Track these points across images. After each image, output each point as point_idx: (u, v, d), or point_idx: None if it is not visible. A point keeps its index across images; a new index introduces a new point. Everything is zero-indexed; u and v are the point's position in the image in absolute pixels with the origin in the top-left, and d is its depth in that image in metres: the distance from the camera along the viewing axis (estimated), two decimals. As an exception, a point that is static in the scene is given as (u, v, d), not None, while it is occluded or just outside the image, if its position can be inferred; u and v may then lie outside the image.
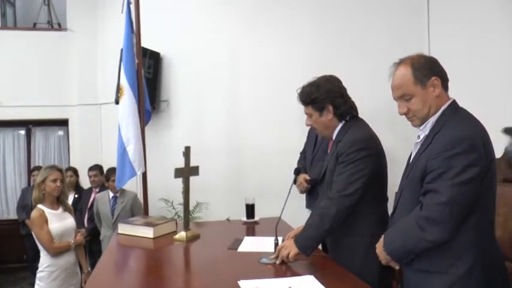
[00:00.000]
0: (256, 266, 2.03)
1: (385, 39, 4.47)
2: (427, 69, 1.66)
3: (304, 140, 3.77)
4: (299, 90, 2.21)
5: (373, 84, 4.07)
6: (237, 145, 4.79)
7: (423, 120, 1.71)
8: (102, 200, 4.58)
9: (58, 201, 3.25)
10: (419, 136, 1.75)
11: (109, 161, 4.72)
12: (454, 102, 1.70)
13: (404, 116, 1.77)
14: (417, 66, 1.67)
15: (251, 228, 2.97)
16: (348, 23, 4.62)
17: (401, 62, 1.73)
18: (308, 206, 3.55)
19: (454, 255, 1.58)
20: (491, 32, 3.60)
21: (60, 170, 3.23)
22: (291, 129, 4.37)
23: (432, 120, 1.68)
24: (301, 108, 2.25)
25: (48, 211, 3.14)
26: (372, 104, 3.46)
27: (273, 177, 4.40)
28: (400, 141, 3.72)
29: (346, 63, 4.37)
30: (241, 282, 1.74)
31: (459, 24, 3.94)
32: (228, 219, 3.23)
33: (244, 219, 3.10)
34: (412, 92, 1.67)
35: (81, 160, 5.60)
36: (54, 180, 3.15)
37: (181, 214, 3.07)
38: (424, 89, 1.66)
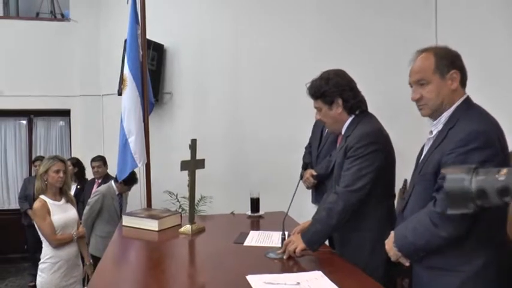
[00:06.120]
0: (263, 261, 2.01)
1: (391, 33, 4.43)
2: (449, 61, 1.65)
3: (310, 133, 3.73)
4: (308, 85, 2.17)
5: (377, 79, 4.04)
6: (241, 138, 4.76)
7: (433, 111, 1.68)
8: (110, 194, 4.25)
9: (61, 192, 3.22)
10: (431, 132, 1.72)
11: (111, 152, 4.70)
12: (468, 98, 1.68)
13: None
14: (440, 56, 1.66)
15: (256, 223, 2.94)
16: (353, 15, 4.58)
17: (425, 50, 1.72)
18: (314, 201, 3.51)
19: (467, 252, 1.55)
20: (499, 25, 3.56)
21: (63, 161, 3.21)
22: (296, 122, 4.32)
23: (446, 115, 1.66)
24: (307, 101, 2.22)
25: (50, 202, 3.11)
26: (376, 99, 3.42)
27: (278, 171, 4.38)
28: (404, 137, 3.65)
29: (351, 55, 4.32)
30: (249, 277, 1.72)
31: (467, 17, 3.89)
32: (232, 213, 3.21)
33: (249, 213, 3.08)
34: (429, 79, 1.66)
35: (82, 151, 5.58)
36: (57, 171, 3.12)
37: (185, 207, 3.05)
38: (442, 80, 1.64)
